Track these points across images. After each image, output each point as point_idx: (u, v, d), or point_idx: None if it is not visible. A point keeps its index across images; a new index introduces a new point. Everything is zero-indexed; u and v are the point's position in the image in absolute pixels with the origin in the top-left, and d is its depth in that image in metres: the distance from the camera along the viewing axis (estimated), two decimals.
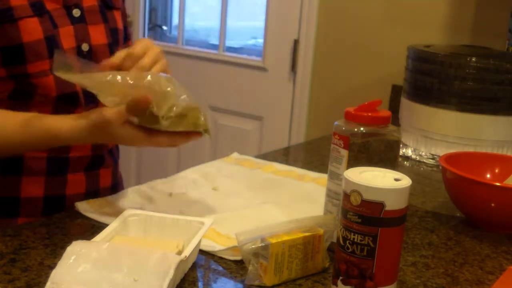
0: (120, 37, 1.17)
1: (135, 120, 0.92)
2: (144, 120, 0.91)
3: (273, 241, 0.80)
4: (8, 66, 1.01)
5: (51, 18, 1.03)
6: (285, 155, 1.57)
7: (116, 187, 1.21)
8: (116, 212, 0.92)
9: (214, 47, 2.60)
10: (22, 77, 1.01)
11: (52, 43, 1.02)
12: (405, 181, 0.74)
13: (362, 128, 0.87)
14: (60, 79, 1.03)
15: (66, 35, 1.05)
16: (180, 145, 0.98)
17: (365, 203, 0.72)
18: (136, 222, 0.88)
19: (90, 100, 1.07)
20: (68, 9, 1.06)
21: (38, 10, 1.01)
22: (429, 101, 1.50)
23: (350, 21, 2.17)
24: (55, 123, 0.96)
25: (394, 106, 1.88)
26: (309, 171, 1.31)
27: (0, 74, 1.02)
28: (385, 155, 0.88)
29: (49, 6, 1.03)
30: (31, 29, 1.00)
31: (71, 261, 0.73)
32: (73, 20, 1.07)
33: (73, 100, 1.07)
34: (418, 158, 1.51)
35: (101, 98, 0.92)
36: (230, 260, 0.88)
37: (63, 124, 0.95)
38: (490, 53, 1.63)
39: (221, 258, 0.88)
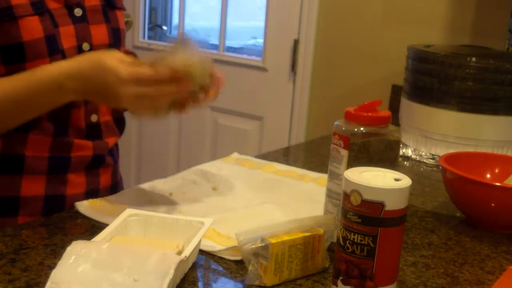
0: (122, 38, 1.17)
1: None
2: None
3: (273, 241, 0.80)
4: (8, 64, 1.01)
5: (52, 17, 1.03)
6: (285, 155, 1.57)
7: (116, 187, 1.22)
8: (116, 212, 0.92)
9: (214, 47, 2.60)
10: None
11: (52, 42, 1.02)
12: (405, 181, 0.74)
13: (362, 128, 0.87)
14: None
15: (67, 35, 1.05)
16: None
17: (365, 203, 0.72)
18: (136, 222, 0.88)
19: (88, 101, 1.07)
20: (69, 8, 1.06)
21: (39, 9, 1.01)
22: (429, 101, 1.50)
23: (350, 21, 2.17)
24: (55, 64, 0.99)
25: (394, 106, 1.88)
26: (309, 171, 1.31)
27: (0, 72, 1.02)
28: (385, 155, 0.88)
29: (50, 5, 1.03)
30: (32, 28, 1.00)
31: (71, 261, 0.73)
32: (75, 20, 1.07)
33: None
34: (418, 158, 1.51)
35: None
36: (230, 260, 0.88)
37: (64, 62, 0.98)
38: (490, 53, 1.63)
39: (221, 258, 0.88)
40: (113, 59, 0.94)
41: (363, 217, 0.72)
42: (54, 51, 1.03)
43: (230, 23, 2.59)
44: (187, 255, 0.77)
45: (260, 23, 2.46)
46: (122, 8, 1.18)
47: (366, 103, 0.88)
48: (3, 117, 1.00)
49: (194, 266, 0.86)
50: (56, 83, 0.96)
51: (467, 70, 1.45)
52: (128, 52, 1.27)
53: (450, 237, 1.04)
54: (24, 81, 0.98)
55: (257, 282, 0.81)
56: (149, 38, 2.86)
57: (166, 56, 0.94)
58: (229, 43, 2.62)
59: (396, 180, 0.75)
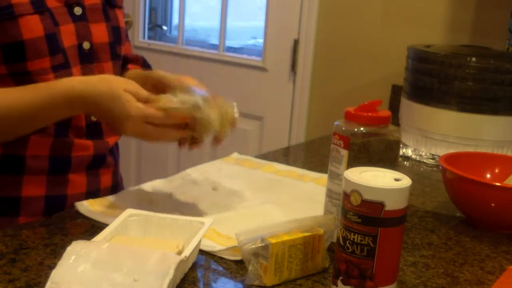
0: (122, 36, 1.17)
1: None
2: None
3: (273, 241, 0.80)
4: (8, 63, 1.01)
5: (52, 15, 1.03)
6: (285, 155, 1.57)
7: (116, 187, 1.22)
8: (116, 212, 0.92)
9: (214, 47, 2.60)
10: (22, 75, 1.01)
11: (52, 41, 1.02)
12: (405, 181, 0.74)
13: (362, 128, 0.87)
14: (60, 78, 1.03)
15: (67, 33, 1.05)
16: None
17: (365, 203, 0.72)
18: (136, 222, 0.88)
19: None
20: (69, 7, 1.07)
21: (39, 7, 1.01)
22: (429, 101, 1.50)
23: (350, 21, 2.17)
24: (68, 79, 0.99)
25: (394, 106, 1.88)
26: (309, 171, 1.31)
27: (0, 71, 1.02)
28: (385, 155, 0.88)
29: (50, 3, 1.04)
30: (32, 27, 1.00)
31: (71, 261, 0.73)
32: (75, 18, 1.07)
33: None
34: (418, 158, 1.51)
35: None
36: (230, 260, 0.88)
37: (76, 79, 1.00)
38: (490, 53, 1.63)
39: (221, 258, 0.88)
40: (126, 92, 0.93)
41: (363, 217, 0.72)
42: (55, 50, 1.03)
43: (230, 23, 2.59)
44: (187, 255, 0.77)
45: (260, 23, 2.46)
46: (121, 7, 1.19)
47: (366, 103, 0.88)
48: (10, 128, 1.01)
49: (194, 266, 0.86)
50: (67, 102, 0.97)
51: (467, 70, 1.45)
52: (136, 58, 1.28)
53: (450, 237, 1.04)
54: (34, 95, 0.98)
55: (257, 282, 0.81)
56: (149, 38, 2.86)
57: (185, 102, 0.94)
58: (229, 43, 2.62)
59: (396, 180, 0.75)
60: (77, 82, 0.98)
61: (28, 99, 0.97)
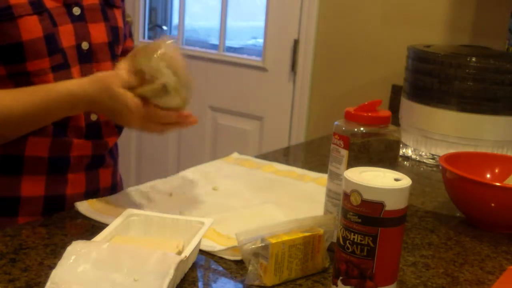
0: (120, 36, 1.17)
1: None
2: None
3: (273, 241, 0.80)
4: (8, 64, 1.01)
5: (51, 16, 1.03)
6: (285, 155, 1.57)
7: (115, 187, 1.22)
8: (116, 212, 0.92)
9: (214, 47, 2.60)
10: (22, 75, 1.02)
11: (51, 41, 1.02)
12: (405, 181, 0.74)
13: (362, 128, 0.87)
14: (59, 78, 1.03)
15: (66, 34, 1.05)
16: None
17: (365, 203, 0.72)
18: (136, 222, 0.88)
19: None
20: (68, 7, 1.07)
21: (38, 8, 1.01)
22: (429, 101, 1.51)
23: (350, 21, 2.17)
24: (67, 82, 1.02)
25: (394, 106, 1.88)
26: (309, 171, 1.31)
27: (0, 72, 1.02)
28: (385, 155, 0.88)
29: (49, 4, 1.03)
30: (31, 27, 1.00)
31: (71, 261, 0.73)
32: (73, 18, 1.07)
33: None
34: (418, 158, 1.51)
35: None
36: (230, 260, 0.88)
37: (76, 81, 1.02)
38: (490, 53, 1.63)
39: (221, 258, 0.88)
40: (120, 87, 0.96)
41: (363, 217, 0.72)
42: (54, 50, 1.03)
43: (230, 23, 2.59)
44: (187, 255, 0.77)
45: (260, 23, 2.46)
46: (120, 7, 1.19)
47: (366, 103, 0.88)
48: (18, 127, 1.02)
49: (194, 266, 0.86)
50: (69, 104, 1.00)
51: (467, 70, 1.45)
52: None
53: (450, 237, 1.04)
54: (41, 98, 0.99)
55: (257, 282, 0.81)
56: (149, 38, 2.86)
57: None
58: (229, 43, 2.62)
59: (396, 180, 0.75)
60: (75, 85, 1.00)
61: (37, 104, 1.00)
